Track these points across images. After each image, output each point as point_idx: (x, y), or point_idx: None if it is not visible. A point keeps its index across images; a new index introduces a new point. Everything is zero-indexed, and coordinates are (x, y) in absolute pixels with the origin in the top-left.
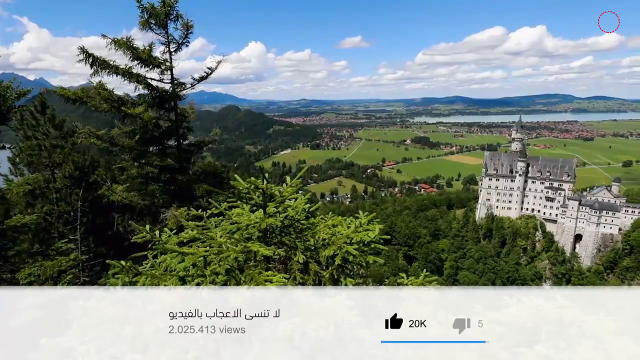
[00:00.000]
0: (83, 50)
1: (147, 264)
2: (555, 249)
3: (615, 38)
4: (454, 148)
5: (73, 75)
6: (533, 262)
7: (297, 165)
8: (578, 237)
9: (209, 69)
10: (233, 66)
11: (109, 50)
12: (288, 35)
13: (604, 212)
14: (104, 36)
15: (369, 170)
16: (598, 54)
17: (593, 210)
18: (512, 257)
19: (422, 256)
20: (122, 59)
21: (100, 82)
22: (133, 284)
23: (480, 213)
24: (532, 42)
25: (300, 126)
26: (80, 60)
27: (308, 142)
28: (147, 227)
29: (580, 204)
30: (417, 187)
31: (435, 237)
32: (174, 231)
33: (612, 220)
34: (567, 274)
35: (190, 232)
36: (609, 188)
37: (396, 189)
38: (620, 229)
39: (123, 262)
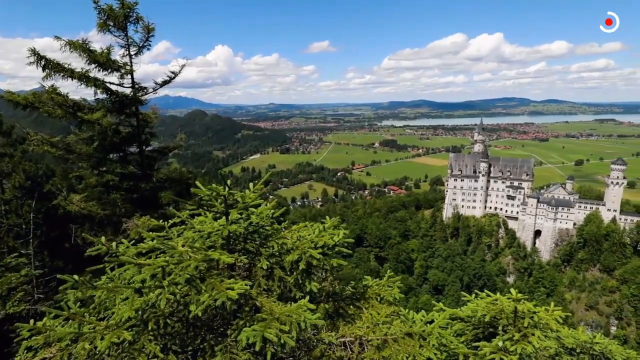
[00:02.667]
0: (34, 52)
1: (105, 277)
2: (517, 245)
3: (564, 45)
4: (420, 150)
5: (24, 78)
6: (497, 258)
7: (267, 170)
8: (537, 233)
9: (172, 72)
10: (199, 70)
11: (63, 52)
12: (255, 39)
13: (560, 208)
14: (57, 38)
15: (339, 174)
16: (550, 60)
17: (550, 207)
18: (478, 254)
19: (393, 257)
20: (78, 62)
21: (53, 86)
22: (89, 298)
23: (447, 213)
24: (491, 48)
25: (269, 130)
26: (31, 62)
27: (277, 146)
28: (103, 239)
29: (538, 201)
30: (386, 189)
31: (405, 237)
32: (132, 242)
33: (567, 216)
34: (529, 268)
35: (149, 242)
36: (563, 186)
37: (366, 192)
38: (574, 224)
39: (76, 277)
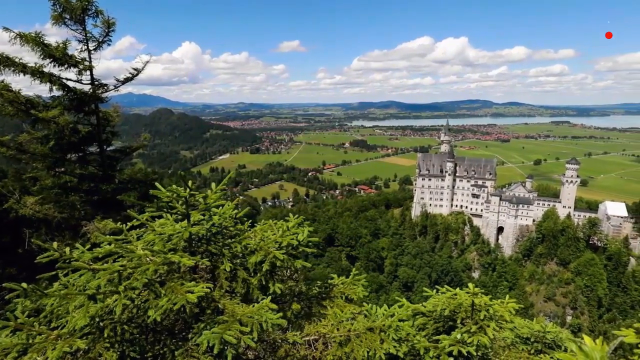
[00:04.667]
0: None
1: (57, 283)
2: (482, 241)
3: (523, 51)
4: (389, 150)
5: None
6: (463, 255)
7: (237, 170)
8: (500, 229)
9: (135, 69)
10: (164, 67)
11: (14, 45)
12: (224, 37)
13: (520, 205)
14: (6, 29)
15: (309, 174)
16: (511, 65)
17: (511, 205)
18: (445, 251)
19: (364, 255)
20: (31, 56)
21: (3, 81)
22: (40, 307)
23: (415, 211)
24: (456, 52)
25: (238, 130)
26: None
27: (247, 146)
28: (55, 244)
29: (501, 199)
30: (356, 189)
31: (376, 236)
32: (90, 246)
33: (527, 213)
34: (493, 263)
35: (106, 247)
36: (523, 184)
37: (337, 191)
38: (533, 220)
39: (25, 284)
